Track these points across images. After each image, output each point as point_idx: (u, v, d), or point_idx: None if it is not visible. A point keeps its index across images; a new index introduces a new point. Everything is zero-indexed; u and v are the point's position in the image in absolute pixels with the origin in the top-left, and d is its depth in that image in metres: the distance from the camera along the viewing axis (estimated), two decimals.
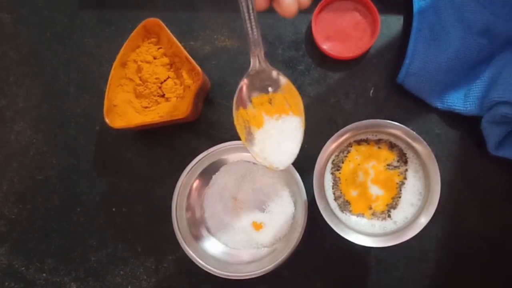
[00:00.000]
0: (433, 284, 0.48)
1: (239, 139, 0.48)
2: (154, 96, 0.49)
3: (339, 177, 0.45)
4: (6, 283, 0.52)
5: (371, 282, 0.48)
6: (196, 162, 0.48)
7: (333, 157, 0.45)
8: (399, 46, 0.50)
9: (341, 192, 0.45)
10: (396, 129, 0.43)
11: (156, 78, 0.48)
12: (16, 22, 0.55)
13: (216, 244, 0.49)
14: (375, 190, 0.45)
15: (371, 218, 0.45)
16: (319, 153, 0.45)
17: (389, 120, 0.44)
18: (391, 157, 0.45)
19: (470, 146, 0.48)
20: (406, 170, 0.45)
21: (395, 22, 0.51)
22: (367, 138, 0.45)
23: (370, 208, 0.45)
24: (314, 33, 0.49)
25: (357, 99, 0.50)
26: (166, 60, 0.49)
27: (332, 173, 0.46)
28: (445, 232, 0.48)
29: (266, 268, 0.45)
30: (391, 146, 0.45)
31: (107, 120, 0.47)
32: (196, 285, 0.50)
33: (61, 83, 0.54)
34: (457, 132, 0.49)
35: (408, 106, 0.49)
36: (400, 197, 0.44)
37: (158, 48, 0.49)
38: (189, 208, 0.49)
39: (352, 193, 0.45)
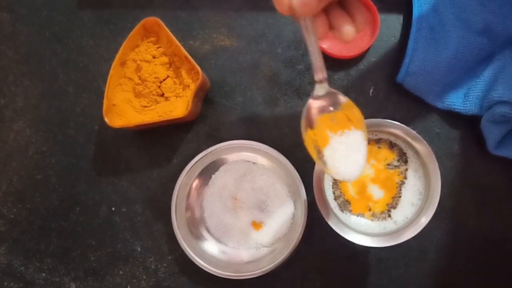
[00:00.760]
0: (433, 284, 0.48)
1: (240, 138, 0.49)
2: (154, 95, 0.49)
3: None
4: (5, 283, 0.52)
5: (371, 282, 0.48)
6: (196, 162, 0.48)
7: None
8: (399, 46, 0.50)
9: (340, 192, 0.45)
10: (396, 128, 0.43)
11: (155, 78, 0.48)
12: (15, 22, 0.55)
13: (216, 244, 0.49)
14: (375, 190, 0.45)
15: (371, 218, 0.45)
16: None
17: (389, 119, 0.44)
18: (391, 156, 0.45)
19: (470, 146, 0.48)
20: (406, 169, 0.45)
21: (395, 22, 0.51)
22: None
23: (370, 208, 0.45)
24: None
25: (356, 98, 0.50)
26: (165, 59, 0.49)
27: None
28: (445, 232, 0.48)
29: (266, 268, 0.45)
30: (391, 145, 0.45)
31: (106, 120, 0.47)
32: (196, 285, 0.50)
33: (60, 83, 0.54)
34: (457, 131, 0.49)
35: (408, 105, 0.49)
36: (400, 197, 0.44)
37: (158, 47, 0.49)
38: (188, 207, 0.49)
39: (352, 193, 0.45)
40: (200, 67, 0.46)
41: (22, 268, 0.52)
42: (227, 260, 0.48)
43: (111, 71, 0.48)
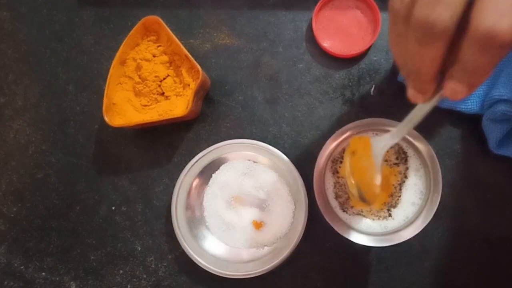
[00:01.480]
0: (434, 283, 0.48)
1: (241, 137, 0.49)
2: (154, 94, 0.48)
3: (339, 176, 0.45)
4: (5, 282, 0.52)
5: (371, 281, 0.48)
6: (196, 161, 0.48)
7: (333, 155, 0.45)
8: None
9: (341, 191, 0.45)
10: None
11: (155, 76, 0.48)
12: (15, 20, 0.55)
13: (216, 243, 0.49)
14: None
15: (372, 218, 0.45)
16: (319, 151, 0.44)
17: (390, 118, 0.44)
18: (391, 155, 0.45)
19: (471, 145, 0.48)
20: (407, 168, 0.45)
21: None
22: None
23: (371, 208, 0.44)
24: (314, 31, 0.49)
25: (358, 97, 0.50)
26: (165, 58, 0.48)
27: (332, 172, 0.45)
28: (446, 231, 0.48)
29: (266, 267, 0.45)
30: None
31: (106, 119, 0.47)
32: (196, 284, 0.50)
33: (60, 81, 0.53)
34: (458, 130, 0.49)
35: (409, 104, 0.49)
36: (400, 196, 0.44)
37: (158, 46, 0.49)
38: (189, 206, 0.49)
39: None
40: (201, 66, 0.46)
41: (22, 267, 0.52)
42: (227, 259, 0.48)
43: (111, 70, 0.48)
